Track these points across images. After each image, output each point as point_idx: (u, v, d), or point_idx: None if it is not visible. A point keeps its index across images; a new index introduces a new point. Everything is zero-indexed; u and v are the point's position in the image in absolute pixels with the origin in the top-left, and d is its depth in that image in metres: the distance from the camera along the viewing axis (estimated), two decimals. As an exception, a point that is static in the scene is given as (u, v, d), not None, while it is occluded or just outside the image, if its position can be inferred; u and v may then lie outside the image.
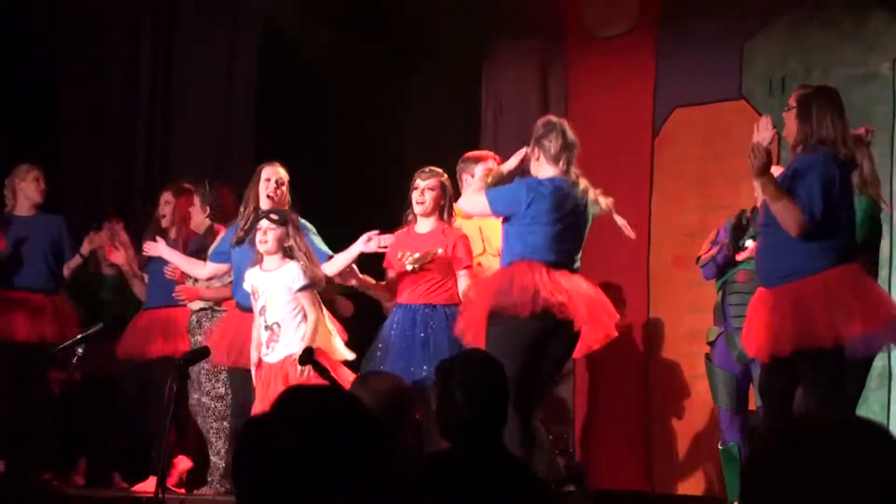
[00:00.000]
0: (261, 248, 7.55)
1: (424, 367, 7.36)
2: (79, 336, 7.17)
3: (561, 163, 7.09)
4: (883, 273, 8.64)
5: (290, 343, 7.52)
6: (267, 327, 7.59)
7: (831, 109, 6.60)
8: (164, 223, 8.97)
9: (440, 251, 7.77)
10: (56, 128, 11.16)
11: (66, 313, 8.97)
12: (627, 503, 8.06)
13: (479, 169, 7.76)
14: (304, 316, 7.55)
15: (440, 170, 8.09)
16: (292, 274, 7.52)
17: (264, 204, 8.00)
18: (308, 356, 6.81)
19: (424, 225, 7.97)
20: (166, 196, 9.07)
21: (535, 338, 6.85)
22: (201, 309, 8.57)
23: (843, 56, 9.32)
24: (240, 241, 8.07)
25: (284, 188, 8.08)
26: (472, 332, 7.11)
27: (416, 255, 7.72)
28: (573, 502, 6.66)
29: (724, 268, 7.76)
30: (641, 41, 10.05)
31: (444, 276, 7.91)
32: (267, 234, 7.54)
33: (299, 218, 7.86)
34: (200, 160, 10.69)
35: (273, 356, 7.55)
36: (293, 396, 2.53)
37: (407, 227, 8.02)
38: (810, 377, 6.45)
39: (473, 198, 7.27)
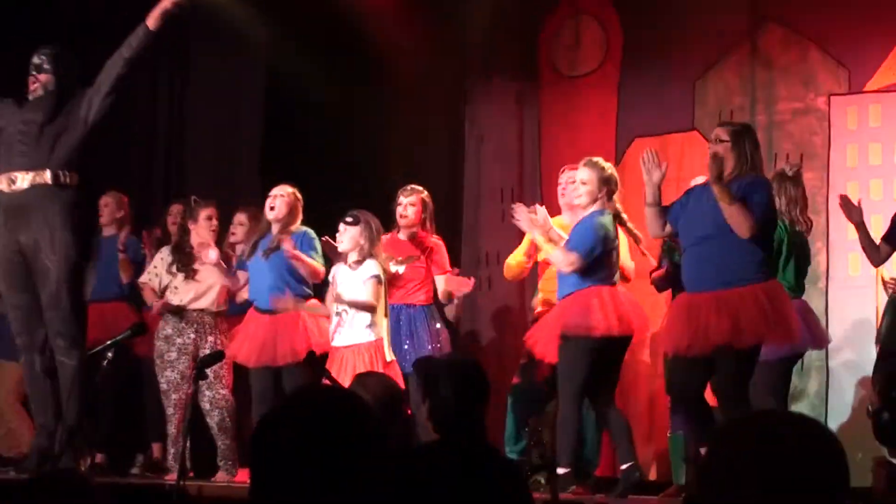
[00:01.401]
0: (339, 247, 7.68)
1: (408, 361, 7.42)
2: (108, 342, 7.13)
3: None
4: (820, 284, 8.69)
5: (356, 330, 7.61)
6: (337, 313, 7.68)
7: (756, 143, 6.74)
8: (233, 239, 8.80)
9: (421, 256, 8.00)
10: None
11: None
12: (599, 488, 8.02)
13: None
14: (371, 308, 7.61)
15: (420, 187, 8.24)
16: (364, 269, 7.61)
17: (269, 216, 8.05)
18: (311, 358, 6.84)
19: (406, 235, 8.11)
20: (240, 217, 8.84)
21: (603, 355, 7.12)
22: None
23: (783, 91, 9.34)
24: (250, 254, 8.13)
25: (278, 202, 8.04)
26: (541, 346, 7.34)
27: (399, 259, 7.82)
28: (546, 484, 6.67)
29: (674, 281, 7.72)
30: (605, 79, 10.05)
31: (423, 280, 8.03)
32: (343, 234, 7.67)
33: (310, 232, 7.97)
34: (211, 179, 10.69)
35: (339, 340, 7.64)
36: (302, 395, 2.55)
37: (391, 235, 8.09)
38: (727, 372, 6.54)
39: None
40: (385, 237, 7.97)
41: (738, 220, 6.39)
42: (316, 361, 7.40)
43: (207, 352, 8.25)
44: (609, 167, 7.45)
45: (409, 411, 7.53)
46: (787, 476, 2.07)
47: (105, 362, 7.21)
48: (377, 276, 7.64)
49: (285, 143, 10.54)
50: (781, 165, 7.40)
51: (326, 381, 6.33)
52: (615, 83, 10.01)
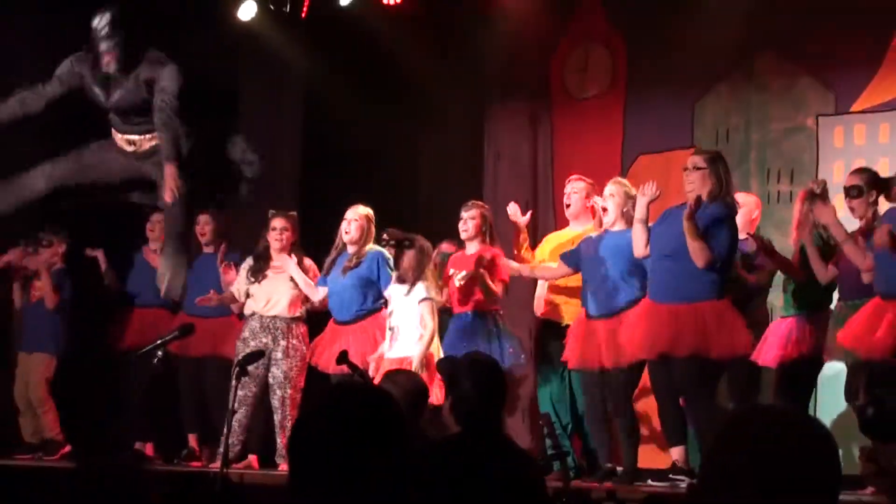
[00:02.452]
0: (394, 269, 7.79)
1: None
2: (158, 341, 7.15)
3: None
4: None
5: (407, 344, 7.60)
6: (390, 328, 7.70)
7: (727, 168, 6.87)
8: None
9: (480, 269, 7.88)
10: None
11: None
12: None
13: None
14: (422, 324, 7.59)
15: (480, 202, 8.29)
16: (416, 292, 7.60)
17: (345, 239, 8.13)
18: (343, 358, 6.83)
19: (470, 248, 8.07)
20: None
21: None
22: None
23: (774, 112, 9.32)
24: (327, 271, 8.20)
25: (353, 226, 8.11)
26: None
27: (463, 273, 7.79)
28: (556, 475, 6.66)
29: None
30: (612, 101, 10.05)
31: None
32: (397, 256, 7.74)
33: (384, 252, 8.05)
34: (256, 191, 10.70)
35: (392, 353, 7.65)
36: (338, 393, 2.56)
37: (459, 252, 8.15)
38: (680, 375, 6.69)
39: None
40: (455, 253, 8.13)
41: (697, 255, 6.64)
42: (349, 361, 7.40)
43: (280, 356, 8.29)
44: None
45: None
46: (784, 472, 2.06)
47: (155, 360, 7.25)
48: (430, 299, 7.64)
49: (322, 159, 10.56)
50: (810, 185, 7.26)
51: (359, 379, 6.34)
52: (621, 105, 10.00)
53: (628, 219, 7.33)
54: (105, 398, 9.20)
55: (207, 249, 9.03)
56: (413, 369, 7.26)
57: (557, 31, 10.24)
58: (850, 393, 6.73)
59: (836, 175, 8.98)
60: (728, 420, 2.25)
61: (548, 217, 10.11)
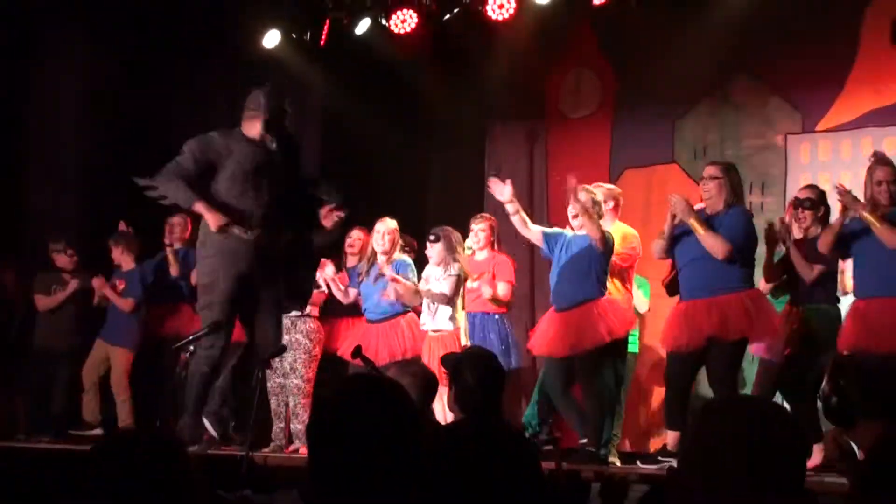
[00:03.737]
0: (430, 261, 7.95)
1: None
2: (191, 336, 7.13)
3: None
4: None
5: (443, 319, 7.79)
6: (429, 306, 7.86)
7: (739, 177, 6.79)
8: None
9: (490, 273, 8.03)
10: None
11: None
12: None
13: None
14: (451, 302, 7.79)
15: (489, 214, 8.34)
16: (449, 269, 7.81)
17: (378, 249, 8.12)
18: (357, 352, 6.80)
19: (480, 255, 8.15)
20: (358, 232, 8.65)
21: None
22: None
23: (747, 131, 9.33)
24: (363, 277, 8.24)
25: (386, 238, 8.10)
26: None
27: (474, 276, 7.94)
28: (551, 455, 6.64)
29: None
30: (601, 120, 10.04)
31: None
32: (430, 250, 7.90)
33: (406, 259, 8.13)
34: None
35: (432, 325, 7.84)
36: (351, 383, 2.55)
37: (469, 256, 8.16)
38: (720, 359, 6.57)
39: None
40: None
41: (713, 245, 6.51)
42: (363, 355, 7.37)
43: (299, 349, 8.30)
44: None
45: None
46: (755, 457, 2.06)
47: (188, 354, 7.23)
48: (457, 275, 7.80)
49: (339, 173, 10.52)
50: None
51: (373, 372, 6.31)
52: (609, 123, 10.00)
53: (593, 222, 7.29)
54: (152, 387, 9.15)
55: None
56: (462, 341, 7.61)
57: (552, 58, 10.23)
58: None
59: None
60: (705, 410, 2.25)
61: (542, 224, 10.05)
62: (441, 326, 7.82)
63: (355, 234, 8.64)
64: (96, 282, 9.06)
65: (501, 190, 7.46)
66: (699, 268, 6.68)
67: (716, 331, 6.54)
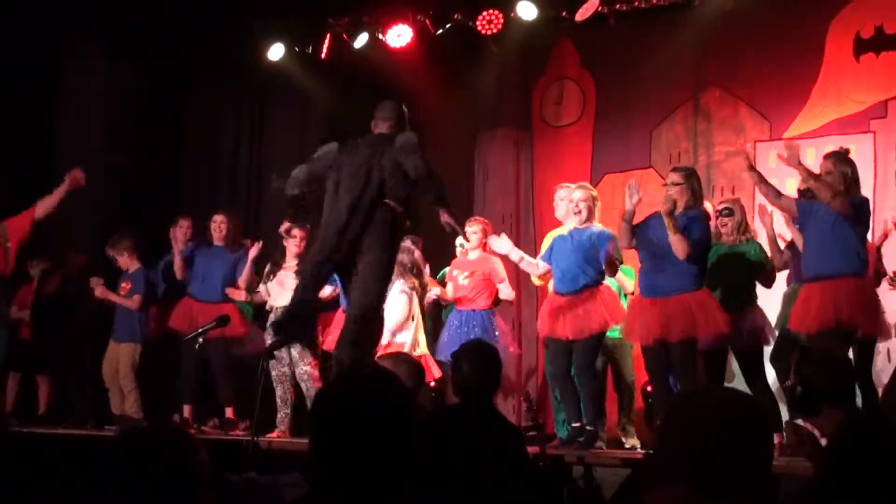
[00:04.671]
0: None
1: None
2: (200, 329, 7.13)
3: None
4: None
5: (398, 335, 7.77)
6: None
7: (700, 182, 6.83)
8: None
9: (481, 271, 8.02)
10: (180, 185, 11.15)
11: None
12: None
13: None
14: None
15: (482, 217, 8.37)
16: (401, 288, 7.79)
17: None
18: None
19: (472, 255, 8.13)
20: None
21: None
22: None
23: (718, 138, 9.34)
24: None
25: None
26: None
27: (466, 273, 7.81)
28: (536, 440, 6.65)
29: None
30: (583, 128, 10.05)
31: (482, 289, 7.98)
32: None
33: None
34: (284, 203, 10.66)
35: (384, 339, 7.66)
36: (351, 373, 2.55)
37: (462, 255, 8.17)
38: (676, 357, 6.56)
39: None
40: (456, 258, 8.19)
41: (678, 247, 6.48)
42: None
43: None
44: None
45: (434, 384, 7.56)
46: (723, 441, 2.05)
47: (196, 345, 7.23)
48: (407, 293, 7.76)
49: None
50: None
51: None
52: (590, 131, 10.00)
53: (591, 216, 7.28)
54: (162, 376, 9.12)
55: (218, 244, 8.85)
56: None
57: (537, 71, 10.24)
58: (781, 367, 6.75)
59: (771, 191, 8.99)
60: (673, 400, 2.25)
61: (529, 226, 10.12)
62: (399, 340, 7.72)
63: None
64: (98, 290, 8.95)
65: (501, 244, 7.49)
66: (657, 268, 6.67)
67: (662, 333, 6.55)
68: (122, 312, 8.98)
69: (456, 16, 9.63)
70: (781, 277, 7.35)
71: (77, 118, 10.28)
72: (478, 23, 9.52)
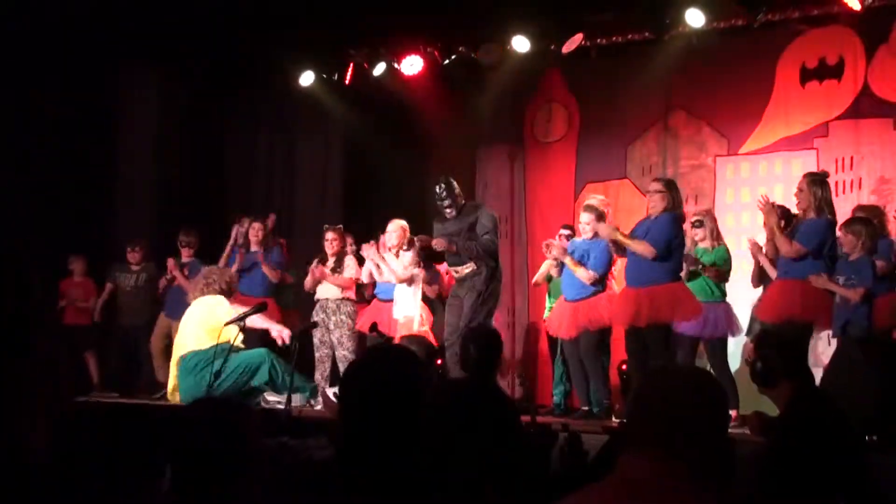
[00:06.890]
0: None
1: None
2: (241, 314, 7.13)
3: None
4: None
5: (405, 306, 7.80)
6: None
7: (678, 190, 6.80)
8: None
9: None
10: (222, 202, 11.12)
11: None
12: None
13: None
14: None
15: None
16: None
17: (389, 244, 8.11)
18: (374, 328, 6.82)
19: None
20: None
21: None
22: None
23: (684, 153, 9.33)
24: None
25: (396, 233, 8.11)
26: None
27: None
28: (529, 410, 6.67)
29: None
30: (568, 144, 10.04)
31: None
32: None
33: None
34: (311, 212, 10.68)
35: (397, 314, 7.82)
36: (377, 349, 2.59)
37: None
38: (650, 339, 6.55)
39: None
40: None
41: (642, 252, 6.52)
42: (378, 330, 7.39)
43: (332, 327, 8.21)
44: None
45: (440, 361, 7.57)
46: (685, 413, 2.04)
47: (239, 330, 7.23)
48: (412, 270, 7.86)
49: (360, 187, 10.56)
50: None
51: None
52: (574, 147, 10.00)
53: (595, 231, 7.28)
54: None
55: (255, 248, 8.81)
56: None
57: (529, 95, 10.24)
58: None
59: (729, 198, 9.02)
60: (645, 375, 2.26)
61: (521, 228, 10.13)
62: (408, 312, 7.70)
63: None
64: (170, 262, 8.96)
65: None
66: (636, 263, 6.71)
67: (635, 319, 6.55)
68: (175, 292, 8.95)
69: (460, 48, 9.64)
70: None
71: (134, 136, 10.26)
72: (479, 54, 9.55)
